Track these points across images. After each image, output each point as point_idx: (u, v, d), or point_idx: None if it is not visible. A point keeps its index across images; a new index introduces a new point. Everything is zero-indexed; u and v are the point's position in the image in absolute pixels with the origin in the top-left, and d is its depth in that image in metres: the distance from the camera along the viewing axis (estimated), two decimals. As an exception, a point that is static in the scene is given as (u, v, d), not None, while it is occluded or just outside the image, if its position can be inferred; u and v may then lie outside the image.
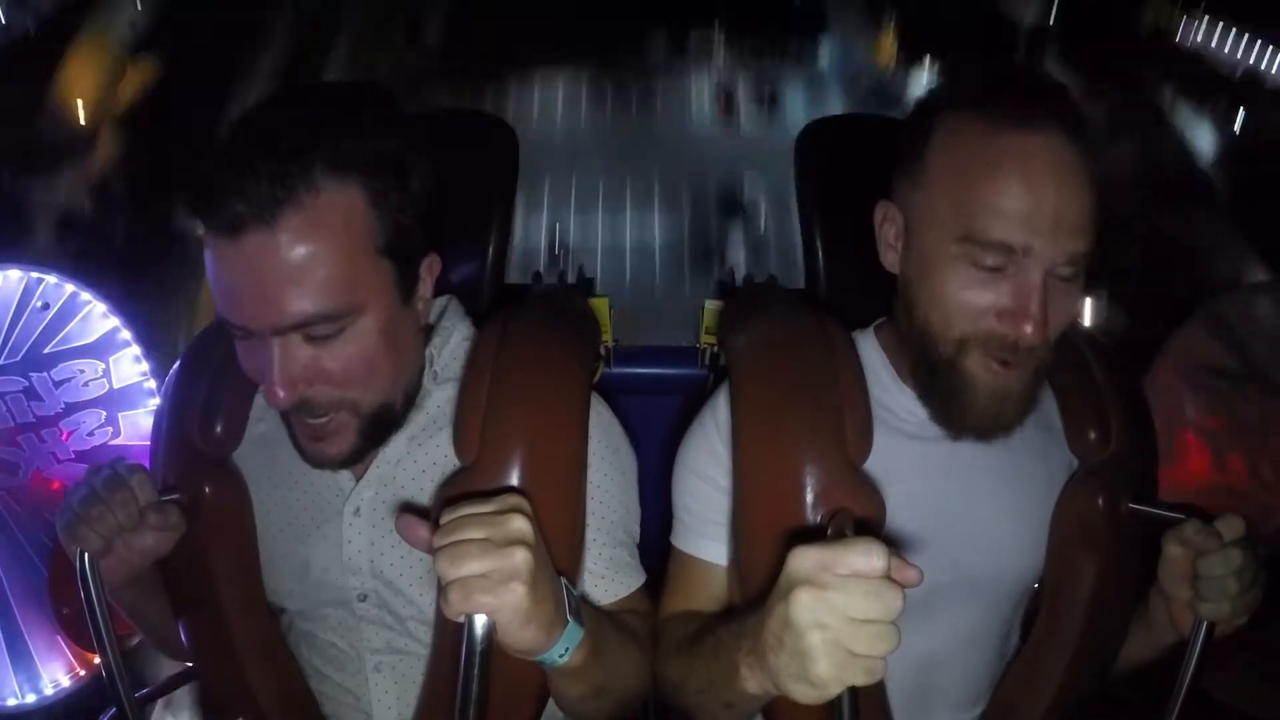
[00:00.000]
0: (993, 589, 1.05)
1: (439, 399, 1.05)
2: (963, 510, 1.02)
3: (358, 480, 1.04)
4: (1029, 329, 0.90)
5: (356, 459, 0.99)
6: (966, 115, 0.94)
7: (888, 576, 0.65)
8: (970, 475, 1.03)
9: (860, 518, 0.92)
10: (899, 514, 0.98)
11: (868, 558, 0.65)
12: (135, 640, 1.19)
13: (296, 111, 0.91)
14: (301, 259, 0.84)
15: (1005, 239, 0.90)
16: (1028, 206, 0.89)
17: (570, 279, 1.50)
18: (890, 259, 1.02)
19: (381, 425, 0.98)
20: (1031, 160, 0.90)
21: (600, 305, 1.34)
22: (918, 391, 1.02)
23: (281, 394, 0.88)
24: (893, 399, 1.04)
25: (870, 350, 1.08)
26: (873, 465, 0.99)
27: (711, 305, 1.46)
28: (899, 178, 1.00)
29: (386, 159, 0.89)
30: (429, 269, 0.98)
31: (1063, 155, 0.90)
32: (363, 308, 0.89)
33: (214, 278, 0.87)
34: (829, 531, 0.76)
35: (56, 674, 1.66)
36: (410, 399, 1.01)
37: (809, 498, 0.95)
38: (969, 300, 0.93)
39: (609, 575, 1.04)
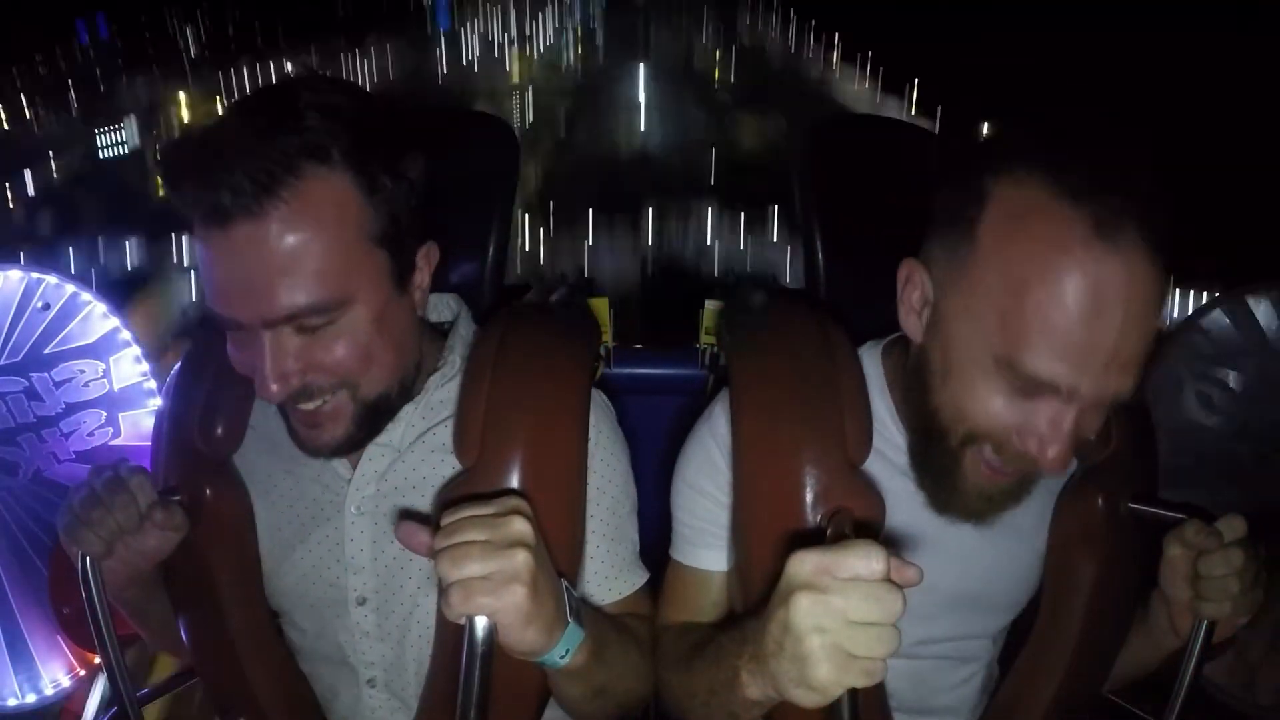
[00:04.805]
0: (983, 613, 1.06)
1: (442, 394, 1.04)
2: (954, 542, 1.00)
3: (354, 469, 1.03)
4: (1052, 456, 0.83)
5: (351, 447, 0.98)
6: (1032, 195, 0.79)
7: (887, 579, 0.65)
8: None
9: (860, 519, 0.92)
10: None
11: (867, 561, 0.65)
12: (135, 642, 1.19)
13: (279, 97, 0.86)
14: (291, 249, 0.82)
15: (1053, 379, 0.80)
16: (1084, 343, 0.78)
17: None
18: (912, 325, 0.92)
19: (378, 414, 0.97)
20: (1103, 290, 0.77)
21: (600, 305, 1.33)
22: (910, 449, 0.98)
23: (274, 387, 0.87)
24: (887, 431, 1.00)
25: (871, 369, 1.03)
26: None
27: (711, 305, 1.46)
28: (935, 240, 0.88)
29: (375, 144, 0.87)
30: (426, 257, 0.95)
31: (1140, 284, 0.77)
32: (354, 298, 0.87)
33: (203, 269, 0.86)
34: (829, 532, 0.76)
35: (56, 674, 1.66)
36: (406, 390, 0.99)
37: (809, 498, 0.95)
38: (994, 414, 0.85)
39: (611, 574, 1.04)
